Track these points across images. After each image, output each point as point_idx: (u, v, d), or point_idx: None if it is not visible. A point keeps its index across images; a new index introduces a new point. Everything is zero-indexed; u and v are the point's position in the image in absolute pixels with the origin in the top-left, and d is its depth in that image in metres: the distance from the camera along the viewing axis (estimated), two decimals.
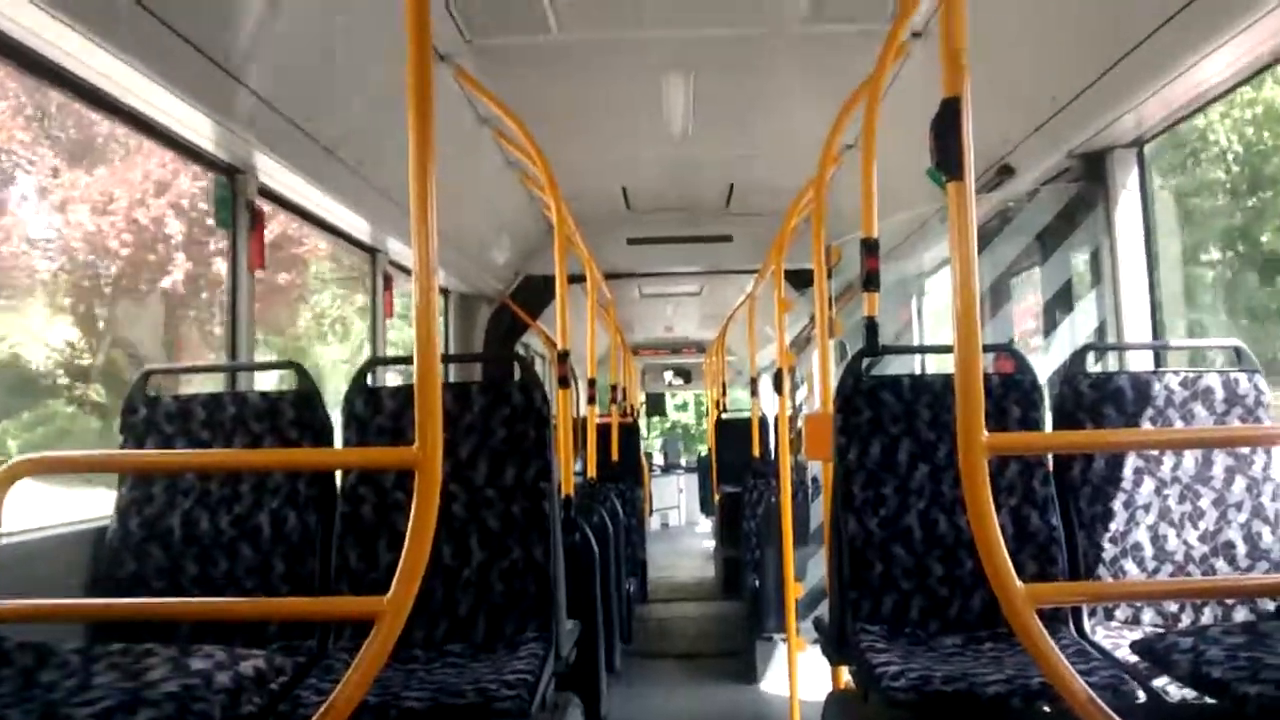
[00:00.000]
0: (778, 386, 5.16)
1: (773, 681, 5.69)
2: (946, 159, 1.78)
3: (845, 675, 3.73)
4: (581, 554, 4.17)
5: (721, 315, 8.98)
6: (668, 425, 22.69)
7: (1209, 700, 2.14)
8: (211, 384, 4.26)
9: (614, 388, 8.60)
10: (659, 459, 17.44)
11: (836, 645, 3.12)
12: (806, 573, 4.89)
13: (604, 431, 7.96)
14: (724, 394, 9.68)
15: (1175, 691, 2.44)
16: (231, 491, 3.17)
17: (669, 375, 18.07)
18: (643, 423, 18.83)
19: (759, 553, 6.14)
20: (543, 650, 2.88)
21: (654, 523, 15.33)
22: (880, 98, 3.40)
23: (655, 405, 19.57)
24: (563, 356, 4.36)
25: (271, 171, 3.82)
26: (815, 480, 5.18)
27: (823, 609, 4.13)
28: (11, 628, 1.92)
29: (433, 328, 1.84)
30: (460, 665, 2.83)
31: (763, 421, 8.88)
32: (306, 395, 3.25)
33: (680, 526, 15.84)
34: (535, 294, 7.63)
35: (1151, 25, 2.83)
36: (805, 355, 9.42)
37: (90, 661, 1.79)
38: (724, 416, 10.83)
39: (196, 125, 3.28)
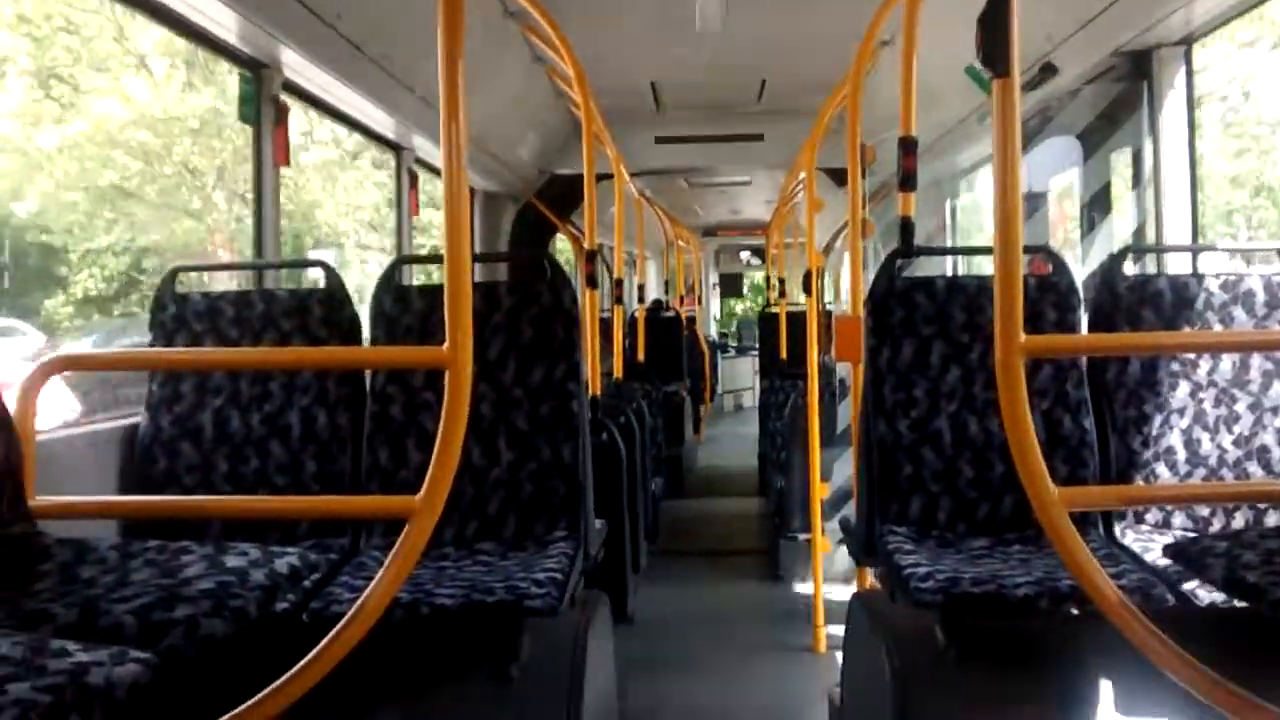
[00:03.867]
0: (806, 287, 5.12)
1: (797, 580, 5.76)
2: (993, 55, 1.71)
3: (870, 576, 3.76)
4: (608, 454, 4.19)
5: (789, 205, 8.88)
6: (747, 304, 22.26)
7: (1242, 604, 2.14)
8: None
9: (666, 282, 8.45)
10: (734, 340, 17.52)
11: (863, 546, 3.13)
12: (832, 473, 4.91)
13: (646, 327, 7.93)
14: (779, 286, 9.58)
15: (1205, 596, 2.44)
16: (261, 390, 3.18)
17: (746, 255, 18.06)
18: (715, 304, 18.91)
19: (784, 453, 6.17)
20: (572, 549, 2.91)
21: (728, 403, 15.46)
22: None
23: (731, 286, 19.52)
24: (590, 256, 4.33)
25: (297, 67, 3.76)
26: (842, 381, 5.17)
27: (848, 510, 4.15)
28: (48, 524, 1.95)
29: (463, 225, 1.82)
30: (490, 563, 2.86)
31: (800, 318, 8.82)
32: (334, 293, 3.24)
33: (753, 408, 15.93)
34: (562, 193, 7.56)
35: None
36: (839, 255, 9.34)
37: (127, 558, 1.81)
38: (769, 310, 10.75)
39: (222, 19, 3.23)
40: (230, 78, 3.79)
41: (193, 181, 12.44)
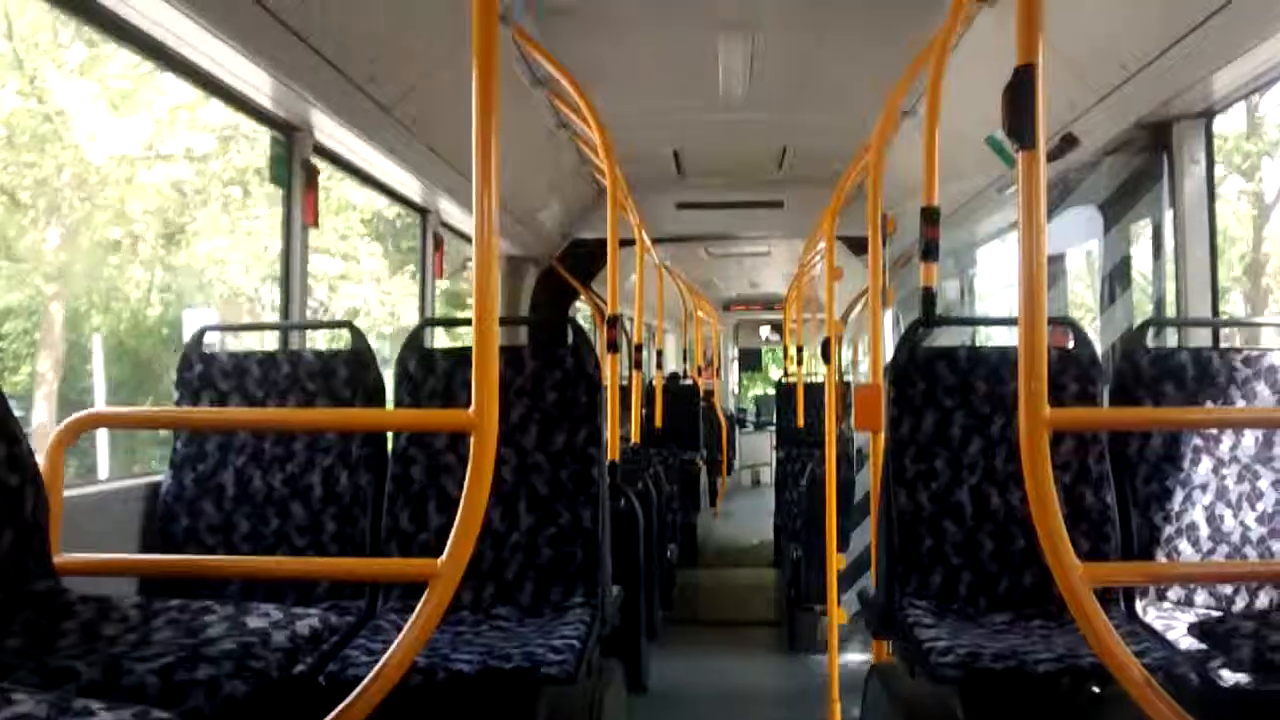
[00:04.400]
0: (825, 355, 5.12)
1: (812, 653, 5.69)
2: (1018, 127, 1.74)
3: (887, 649, 3.72)
4: (626, 520, 4.17)
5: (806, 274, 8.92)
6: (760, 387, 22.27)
7: (1270, 686, 2.10)
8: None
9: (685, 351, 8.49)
10: (752, 415, 17.47)
11: (882, 619, 3.10)
12: (849, 544, 4.87)
13: (663, 396, 7.94)
14: (796, 357, 9.58)
15: (1230, 676, 2.40)
16: (285, 450, 3.20)
17: (765, 331, 18.08)
18: (734, 378, 18.90)
19: (800, 523, 6.13)
20: (589, 616, 2.89)
21: (745, 478, 15.38)
22: (945, 61, 3.33)
23: (749, 360, 19.50)
24: (611, 321, 4.35)
25: (327, 129, 3.83)
26: (860, 451, 5.14)
27: (866, 581, 4.12)
28: (71, 580, 1.96)
29: (493, 290, 1.84)
30: (507, 629, 2.84)
31: (818, 389, 8.80)
32: (360, 355, 3.26)
33: (770, 484, 15.88)
34: (583, 258, 7.61)
35: None
36: (857, 324, 9.34)
37: (149, 616, 1.81)
38: (785, 380, 10.75)
39: (256, 82, 3.29)
40: None
41: None
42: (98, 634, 1.73)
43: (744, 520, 11.26)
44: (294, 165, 3.78)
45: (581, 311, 10.33)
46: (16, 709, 1.24)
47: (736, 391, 19.41)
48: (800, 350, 9.27)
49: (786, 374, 10.81)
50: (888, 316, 5.49)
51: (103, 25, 2.78)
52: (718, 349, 16.26)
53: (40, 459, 1.96)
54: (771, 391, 16.41)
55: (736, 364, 19.20)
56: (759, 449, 15.73)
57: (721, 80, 5.02)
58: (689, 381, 11.37)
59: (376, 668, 1.80)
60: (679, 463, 8.36)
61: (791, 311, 9.05)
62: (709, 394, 12.64)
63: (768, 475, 15.54)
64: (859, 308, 9.35)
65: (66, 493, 2.48)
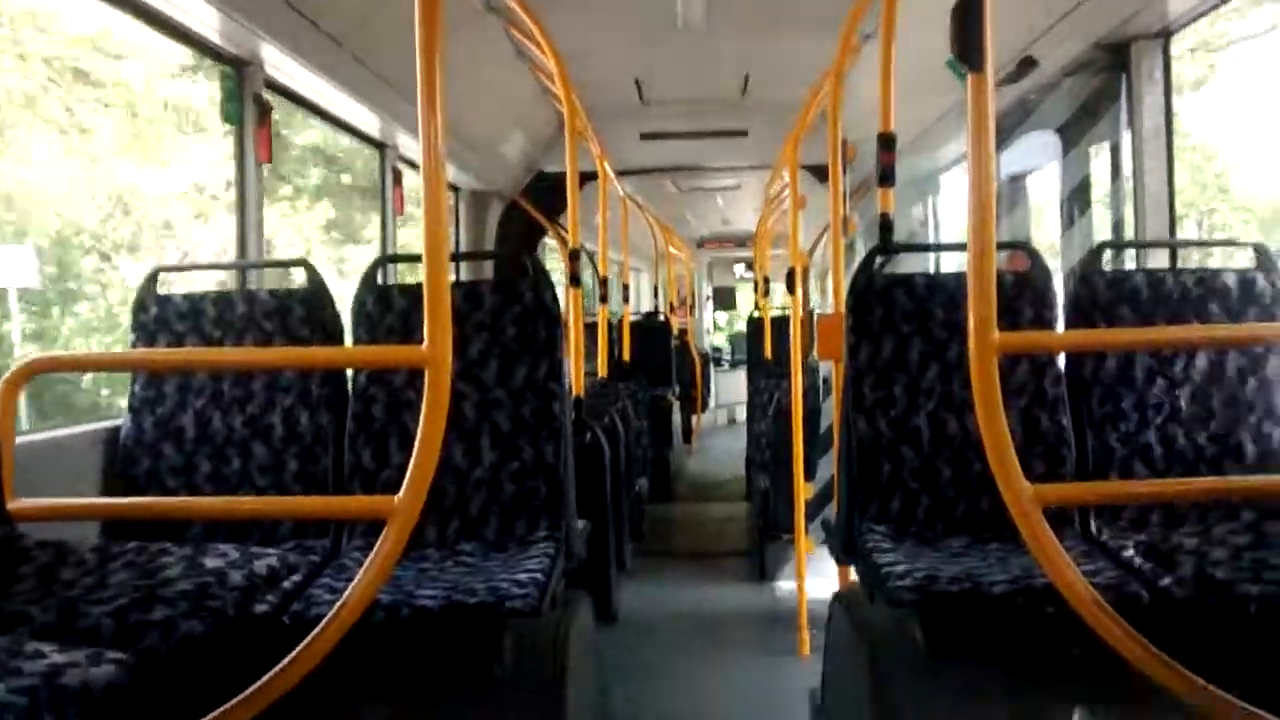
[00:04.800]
0: (790, 286, 5.13)
1: (781, 581, 5.77)
2: (967, 50, 1.72)
3: (852, 575, 3.77)
4: (592, 454, 4.19)
5: (774, 206, 8.89)
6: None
7: (1214, 601, 2.15)
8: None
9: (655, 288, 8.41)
10: (728, 353, 17.51)
11: (843, 545, 3.14)
12: (816, 473, 4.91)
13: (632, 331, 7.94)
14: (763, 289, 9.63)
15: (1180, 592, 2.46)
16: (244, 391, 3.18)
17: (739, 269, 18.03)
18: (709, 316, 18.90)
19: (768, 453, 6.18)
20: (554, 549, 2.91)
21: (721, 417, 15.45)
22: None
23: (724, 299, 19.51)
24: (574, 254, 4.33)
25: (278, 64, 3.75)
26: (826, 381, 5.18)
27: (830, 510, 4.17)
28: (30, 526, 1.95)
29: (442, 223, 1.81)
30: (472, 564, 2.86)
31: (787, 320, 8.81)
32: (317, 293, 3.23)
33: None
34: (548, 191, 7.55)
35: None
36: (823, 255, 9.34)
37: (107, 560, 1.81)
38: (755, 315, 10.77)
39: (204, 17, 3.23)
40: None
41: None
42: (54, 578, 1.73)
43: (719, 456, 11.34)
44: (245, 101, 3.72)
45: (553, 248, 10.28)
46: None
47: (711, 329, 19.44)
48: (767, 282, 9.26)
49: (757, 307, 10.81)
50: (857, 246, 5.51)
51: None
52: (691, 287, 16.24)
53: None
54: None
55: (711, 302, 19.21)
56: (735, 387, 15.75)
57: (680, 7, 4.95)
58: (662, 318, 11.36)
59: (337, 605, 1.80)
60: (650, 399, 8.38)
61: (761, 241, 9.04)
62: (683, 332, 12.65)
63: (742, 413, 15.63)
64: (825, 239, 9.33)
65: (24, 439, 2.47)
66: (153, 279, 3.25)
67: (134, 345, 3.23)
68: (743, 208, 12.25)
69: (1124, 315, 3.07)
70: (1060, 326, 3.14)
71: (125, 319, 3.19)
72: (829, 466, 4.70)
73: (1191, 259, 3.99)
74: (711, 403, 15.22)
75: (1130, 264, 3.86)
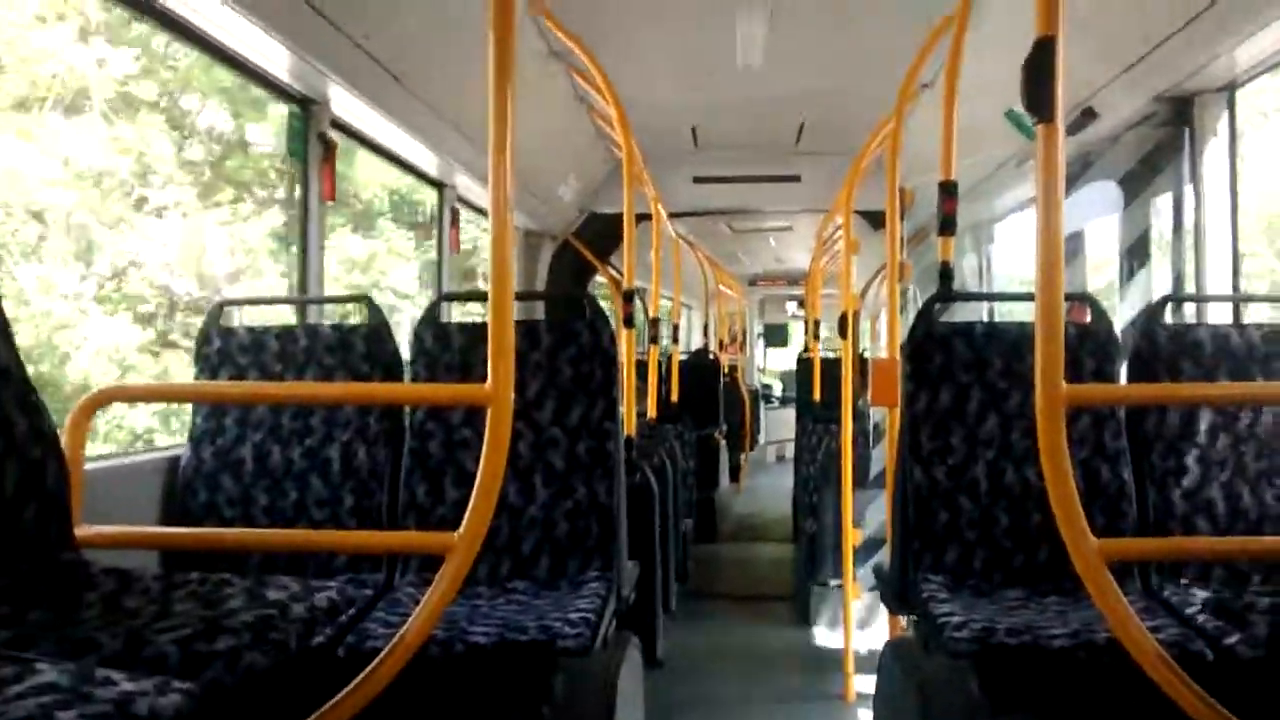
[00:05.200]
0: (842, 330, 5.11)
1: (826, 627, 5.70)
2: (1037, 100, 1.72)
3: (902, 624, 3.73)
4: (642, 495, 4.18)
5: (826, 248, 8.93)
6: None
7: None
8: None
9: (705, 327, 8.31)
10: (778, 390, 17.41)
11: (897, 594, 3.11)
12: (864, 519, 4.87)
13: (680, 369, 7.93)
14: (814, 331, 9.66)
15: (1247, 652, 2.40)
16: (303, 424, 3.22)
17: (791, 306, 18.00)
18: (759, 354, 18.87)
19: (816, 497, 6.14)
20: (604, 589, 2.90)
21: (770, 455, 15.36)
22: (964, 33, 3.30)
23: (775, 336, 19.48)
24: (628, 296, 4.35)
25: (344, 103, 3.83)
26: (876, 426, 5.14)
27: (881, 556, 4.12)
28: (93, 553, 1.98)
29: (508, 264, 1.84)
30: (524, 602, 2.86)
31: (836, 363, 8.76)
32: (377, 329, 3.28)
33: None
34: (600, 232, 7.60)
35: None
36: (873, 299, 9.30)
37: (170, 589, 1.83)
38: (804, 355, 10.73)
39: (273, 55, 3.30)
40: None
41: None
42: (119, 606, 1.75)
43: (766, 496, 11.24)
44: (310, 139, 3.79)
45: (603, 289, 10.32)
46: (39, 679, 1.25)
47: (763, 366, 19.39)
48: (817, 324, 9.22)
49: (806, 349, 10.76)
50: (912, 292, 5.48)
51: (121, 1, 2.79)
52: (742, 324, 16.23)
53: (61, 433, 1.98)
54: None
55: (762, 339, 19.17)
56: (785, 425, 15.65)
57: (739, 52, 4.98)
58: (711, 356, 11.34)
59: (394, 640, 1.82)
60: (696, 438, 8.36)
61: (812, 283, 9.04)
62: (733, 369, 12.61)
63: (792, 451, 15.49)
64: (877, 283, 9.30)
65: (88, 466, 2.51)
66: (217, 311, 3.31)
67: (197, 376, 3.28)
68: (795, 246, 12.25)
69: (1186, 369, 3.03)
70: (1122, 379, 3.11)
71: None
72: (878, 512, 4.66)
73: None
74: (761, 439, 15.14)
75: (1190, 318, 3.81)
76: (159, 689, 1.31)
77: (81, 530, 1.96)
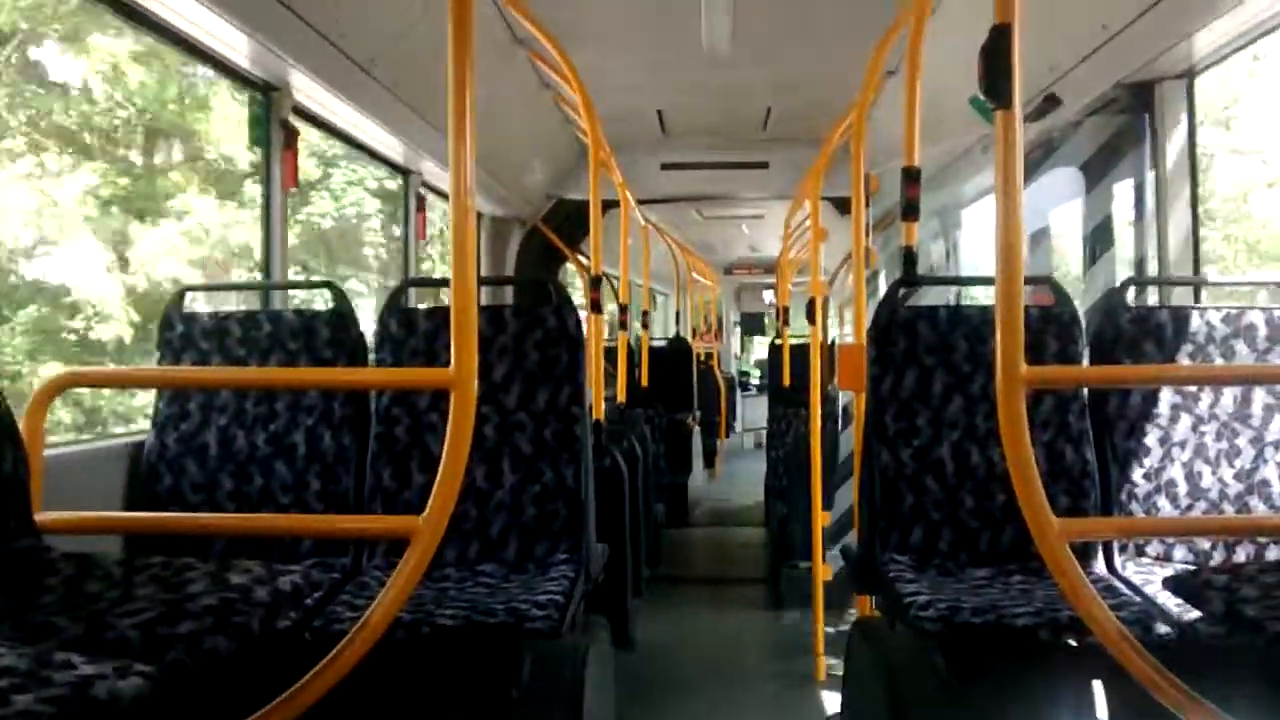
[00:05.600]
0: (810, 315, 5.14)
1: (796, 608, 5.75)
2: (995, 87, 1.74)
3: (870, 604, 3.76)
4: (611, 478, 4.20)
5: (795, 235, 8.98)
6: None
7: (1242, 638, 2.14)
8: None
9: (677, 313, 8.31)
10: (755, 378, 17.45)
11: (864, 574, 3.14)
12: (834, 502, 4.91)
13: (653, 356, 7.93)
14: (785, 319, 9.72)
15: (1205, 629, 2.44)
16: (267, 409, 3.20)
17: (768, 295, 18.04)
18: (736, 341, 18.94)
19: (786, 481, 6.17)
20: (573, 572, 2.91)
21: (748, 441, 15.40)
22: (926, 21, 3.32)
23: (752, 324, 19.52)
24: (595, 281, 4.35)
25: (306, 89, 3.80)
26: (845, 410, 5.17)
27: (849, 538, 4.16)
28: (54, 538, 1.97)
29: (470, 249, 1.84)
30: (492, 585, 2.87)
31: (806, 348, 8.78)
32: (341, 314, 3.26)
33: None
34: (569, 219, 7.59)
35: None
36: (842, 284, 9.34)
37: (132, 573, 1.82)
38: (775, 342, 10.76)
39: (233, 41, 3.27)
40: None
41: None
42: (80, 591, 1.74)
43: (741, 481, 11.29)
44: (272, 126, 3.77)
45: (573, 273, 10.33)
46: None
47: (740, 354, 19.45)
48: (787, 311, 9.26)
49: (778, 335, 10.81)
50: (881, 278, 5.52)
51: None
52: (716, 312, 16.27)
53: (20, 418, 1.97)
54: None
55: (739, 327, 19.22)
56: (762, 411, 15.72)
57: (705, 39, 4.98)
58: (683, 343, 11.37)
59: (360, 622, 1.82)
60: (668, 423, 8.38)
61: (783, 269, 9.09)
62: (708, 356, 12.65)
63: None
64: (846, 269, 9.35)
65: (49, 452, 2.49)
66: (179, 297, 3.29)
67: (160, 362, 3.26)
68: (769, 235, 12.30)
69: (1148, 351, 3.07)
70: (1086, 362, 3.14)
71: None
72: (847, 495, 4.69)
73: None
74: (738, 427, 15.19)
75: (1153, 301, 3.86)
76: (119, 672, 1.31)
77: (41, 516, 1.95)
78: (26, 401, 2.17)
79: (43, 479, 2.07)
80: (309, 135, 4.42)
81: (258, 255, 3.93)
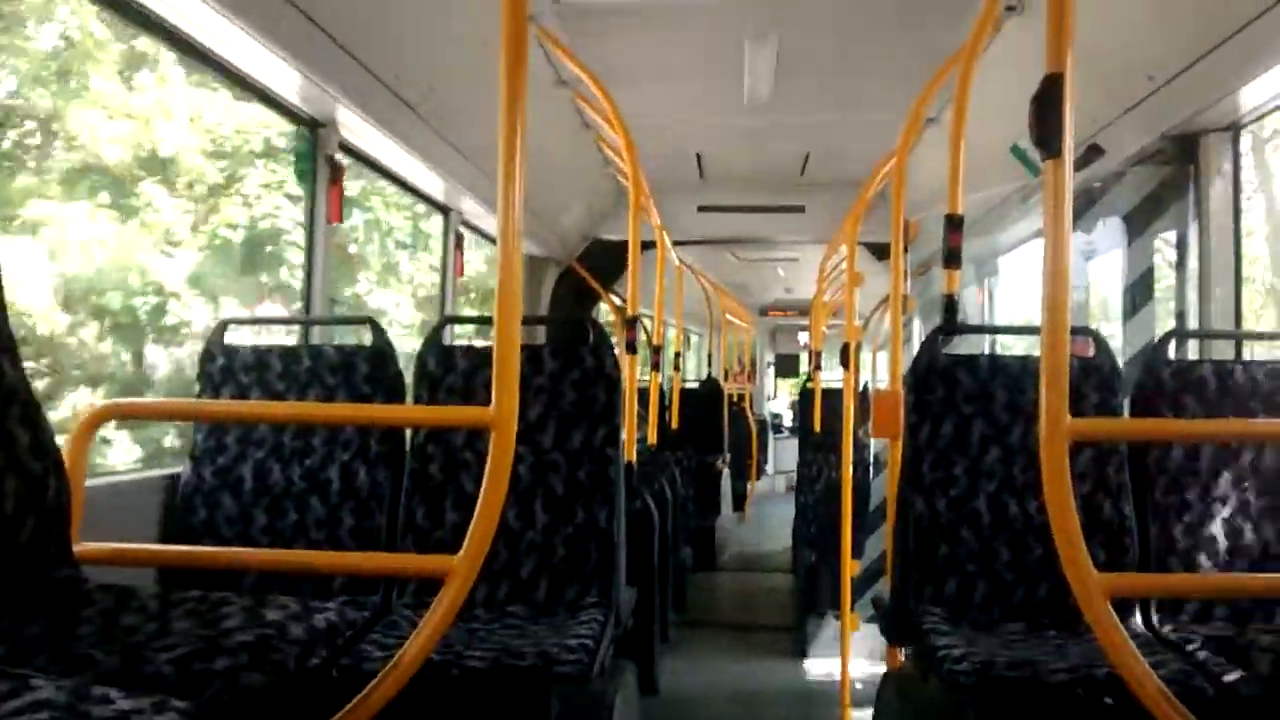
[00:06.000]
0: (844, 361, 5.12)
1: (823, 658, 5.68)
2: (1046, 136, 1.73)
3: (900, 656, 3.71)
4: (641, 521, 4.17)
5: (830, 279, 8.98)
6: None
7: None
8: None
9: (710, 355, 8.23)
10: (788, 421, 17.40)
11: (897, 625, 3.10)
12: (864, 551, 4.86)
13: (684, 397, 7.88)
14: (815, 362, 9.73)
15: (1246, 690, 2.39)
16: (304, 444, 3.21)
17: (804, 337, 18.02)
18: (770, 383, 18.92)
19: (815, 528, 6.12)
20: (603, 616, 2.89)
21: (780, 484, 15.29)
22: (973, 69, 3.33)
23: (786, 366, 19.49)
24: (630, 322, 4.36)
25: (352, 126, 3.85)
26: (877, 457, 5.13)
27: (880, 588, 4.11)
28: (90, 570, 1.97)
29: (516, 289, 1.85)
30: (521, 627, 2.85)
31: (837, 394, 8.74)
32: (380, 351, 3.28)
33: None
34: (602, 259, 7.62)
35: (1259, 6, 2.73)
36: (875, 330, 9.31)
37: (168, 607, 1.82)
38: (806, 386, 10.72)
39: (282, 77, 3.31)
40: None
41: None
42: (117, 623, 1.75)
43: (771, 526, 11.17)
44: (318, 161, 3.81)
45: (608, 316, 10.35)
46: (35, 695, 1.25)
47: (773, 395, 19.39)
48: (819, 355, 9.24)
49: (809, 379, 10.77)
50: (915, 325, 5.50)
51: (133, 19, 2.81)
52: (750, 353, 16.24)
53: (63, 448, 1.98)
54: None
55: (773, 369, 19.18)
56: (794, 454, 15.58)
57: (747, 83, 5.01)
58: (715, 385, 11.34)
59: (391, 662, 1.81)
60: (698, 465, 8.35)
61: (816, 313, 9.10)
62: (740, 398, 12.61)
63: None
64: (879, 314, 9.32)
65: (88, 482, 2.50)
66: (221, 330, 3.32)
67: (200, 394, 3.28)
68: (804, 278, 12.31)
69: (1189, 405, 3.03)
70: (1124, 413, 3.11)
71: None
72: (877, 544, 4.64)
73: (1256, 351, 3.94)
74: (769, 469, 15.10)
75: (1193, 354, 3.81)
76: (156, 707, 1.31)
77: (80, 547, 1.96)
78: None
79: (83, 509, 2.08)
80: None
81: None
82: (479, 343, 4.25)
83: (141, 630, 1.71)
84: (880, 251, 6.73)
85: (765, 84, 4.99)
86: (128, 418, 2.77)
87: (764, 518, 12.08)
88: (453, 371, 3.22)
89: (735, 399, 11.87)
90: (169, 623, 1.75)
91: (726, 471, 10.22)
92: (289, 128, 3.97)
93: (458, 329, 5.92)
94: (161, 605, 1.84)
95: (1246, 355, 3.70)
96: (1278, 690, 2.02)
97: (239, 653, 1.63)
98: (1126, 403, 3.16)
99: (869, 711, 3.25)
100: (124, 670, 1.55)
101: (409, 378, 3.31)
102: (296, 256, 7.91)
